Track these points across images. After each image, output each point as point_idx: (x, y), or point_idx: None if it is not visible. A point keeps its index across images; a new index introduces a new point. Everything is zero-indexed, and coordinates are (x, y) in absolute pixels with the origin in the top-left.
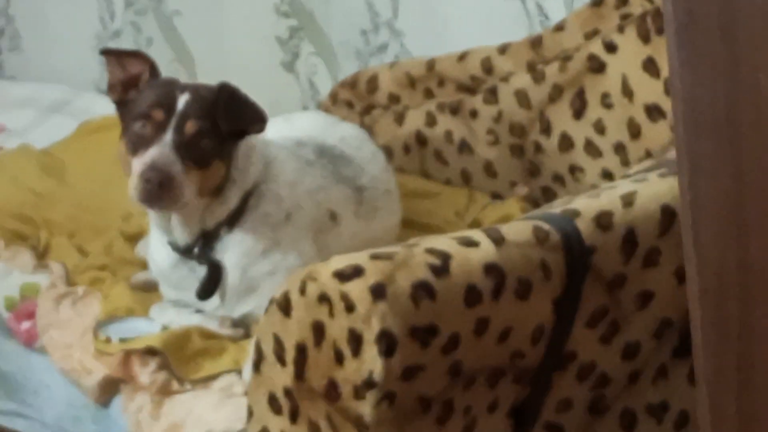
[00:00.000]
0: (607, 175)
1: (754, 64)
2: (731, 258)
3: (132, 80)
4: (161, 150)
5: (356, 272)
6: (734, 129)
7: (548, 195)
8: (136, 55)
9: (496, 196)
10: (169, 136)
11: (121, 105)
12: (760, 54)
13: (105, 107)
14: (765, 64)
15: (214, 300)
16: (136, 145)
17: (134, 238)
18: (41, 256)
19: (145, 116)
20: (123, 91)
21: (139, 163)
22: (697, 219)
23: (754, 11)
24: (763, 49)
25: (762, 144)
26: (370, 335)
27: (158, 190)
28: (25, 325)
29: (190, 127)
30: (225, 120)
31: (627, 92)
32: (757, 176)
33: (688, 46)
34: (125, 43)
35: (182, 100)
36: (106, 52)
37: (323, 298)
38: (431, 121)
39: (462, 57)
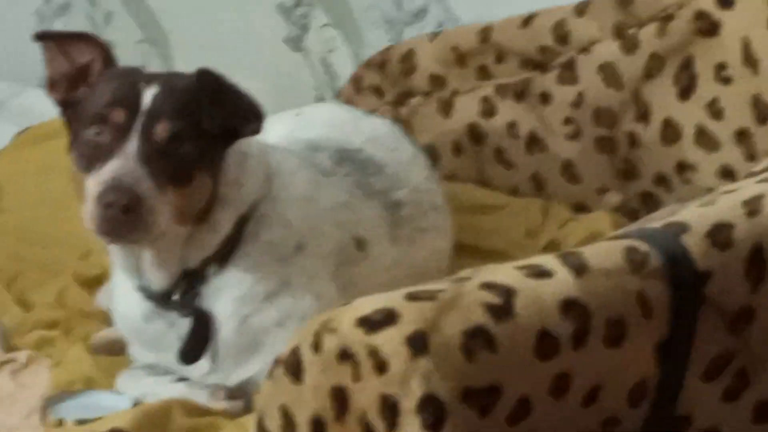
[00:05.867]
0: (728, 174)
1: None
2: None
3: (80, 73)
4: (124, 163)
5: (388, 318)
6: None
7: (649, 203)
8: (84, 38)
9: (580, 208)
10: (133, 144)
11: (68, 107)
12: None
13: (52, 108)
14: None
15: (203, 363)
16: (91, 158)
17: (94, 283)
18: None
19: (100, 119)
20: (69, 88)
21: (96, 182)
22: None
23: None
24: None
25: None
26: (409, 402)
27: (123, 217)
28: None
29: (162, 129)
30: (208, 119)
31: (750, 61)
32: None
33: None
34: (76, 22)
35: (149, 95)
36: (44, 37)
37: (345, 355)
38: (489, 109)
39: (527, 21)
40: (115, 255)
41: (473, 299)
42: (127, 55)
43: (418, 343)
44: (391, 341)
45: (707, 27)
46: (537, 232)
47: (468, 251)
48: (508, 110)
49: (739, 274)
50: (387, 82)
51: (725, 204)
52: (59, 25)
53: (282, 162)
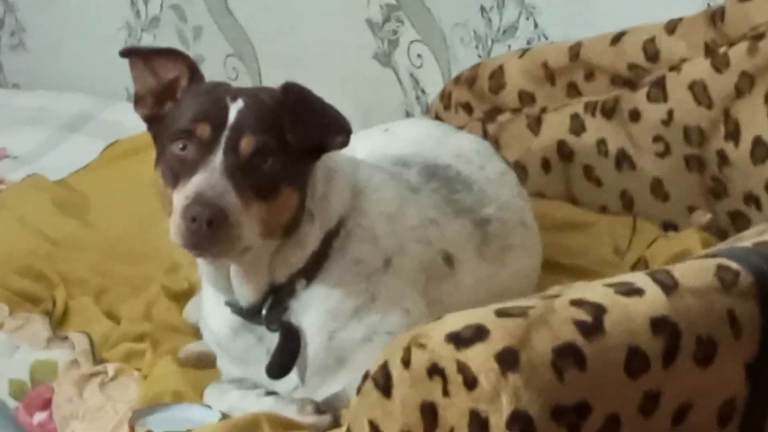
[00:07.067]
0: None
1: None
2: None
3: (167, 88)
4: (209, 177)
5: (478, 334)
6: None
7: (739, 222)
8: (170, 53)
9: (669, 226)
10: (219, 159)
11: (155, 122)
12: None
13: (140, 122)
14: None
15: (291, 378)
16: (177, 173)
17: (181, 297)
18: (58, 324)
19: (186, 134)
20: (156, 104)
21: (182, 197)
22: None
23: None
24: None
25: None
26: (499, 419)
27: (209, 232)
28: (39, 417)
29: (247, 144)
30: (294, 133)
31: None
32: None
33: None
34: (165, 36)
35: (235, 110)
36: (130, 53)
37: (435, 371)
38: (578, 126)
39: (616, 39)
40: (204, 269)
41: (563, 316)
42: (215, 70)
43: (508, 360)
44: (480, 357)
45: None
46: (625, 250)
47: (556, 269)
48: (597, 128)
49: None
50: (476, 99)
51: None
52: (148, 39)
53: (370, 177)
